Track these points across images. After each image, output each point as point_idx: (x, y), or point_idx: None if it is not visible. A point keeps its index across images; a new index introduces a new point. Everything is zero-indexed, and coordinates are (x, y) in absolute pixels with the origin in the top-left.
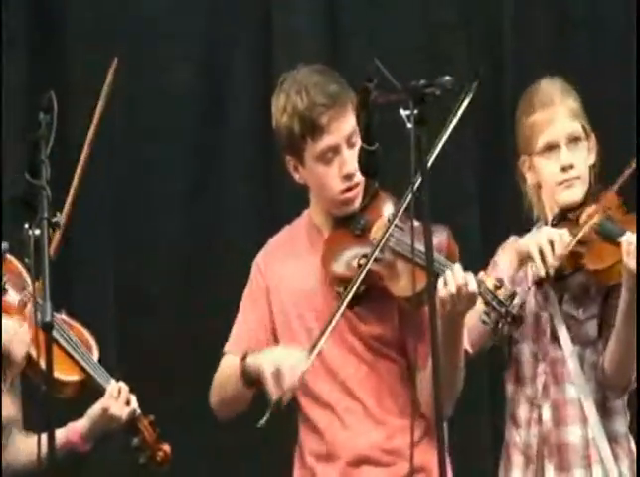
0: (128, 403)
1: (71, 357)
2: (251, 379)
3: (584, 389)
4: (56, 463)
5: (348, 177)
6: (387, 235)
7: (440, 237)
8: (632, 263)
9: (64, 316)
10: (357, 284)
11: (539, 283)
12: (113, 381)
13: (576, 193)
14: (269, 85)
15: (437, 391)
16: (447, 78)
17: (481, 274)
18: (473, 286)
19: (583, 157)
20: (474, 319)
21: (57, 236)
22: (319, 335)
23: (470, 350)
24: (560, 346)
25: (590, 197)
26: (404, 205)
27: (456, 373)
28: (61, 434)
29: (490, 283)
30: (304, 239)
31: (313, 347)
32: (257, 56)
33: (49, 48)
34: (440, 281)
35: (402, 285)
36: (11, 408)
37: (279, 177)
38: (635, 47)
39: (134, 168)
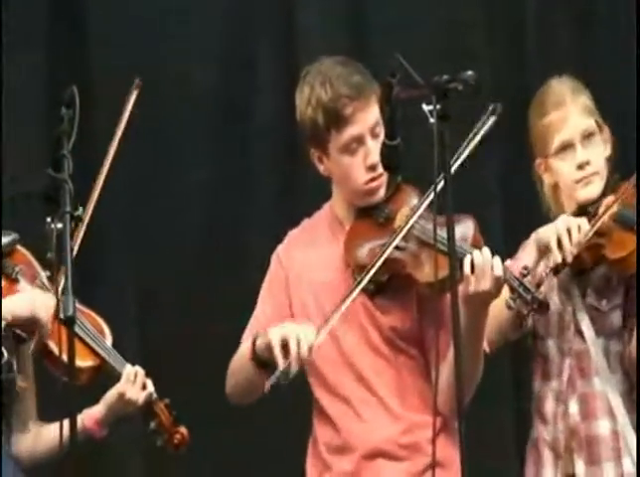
0: (144, 387)
1: (85, 343)
2: (261, 359)
3: (610, 381)
4: (77, 452)
5: (372, 167)
6: (411, 222)
7: (466, 226)
8: None
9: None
10: (377, 266)
11: (555, 270)
12: (129, 365)
13: (595, 189)
14: (293, 81)
15: (459, 382)
16: (470, 72)
17: (507, 262)
18: (499, 270)
19: (599, 152)
20: (497, 311)
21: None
22: (332, 312)
23: (487, 350)
24: (584, 339)
25: (608, 189)
26: (429, 195)
27: (475, 366)
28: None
29: (516, 270)
30: (325, 231)
31: (325, 324)
32: (280, 51)
33: (71, 43)
34: (467, 259)
35: (427, 271)
36: (29, 402)
37: (304, 173)
38: (635, 47)
39: (155, 165)
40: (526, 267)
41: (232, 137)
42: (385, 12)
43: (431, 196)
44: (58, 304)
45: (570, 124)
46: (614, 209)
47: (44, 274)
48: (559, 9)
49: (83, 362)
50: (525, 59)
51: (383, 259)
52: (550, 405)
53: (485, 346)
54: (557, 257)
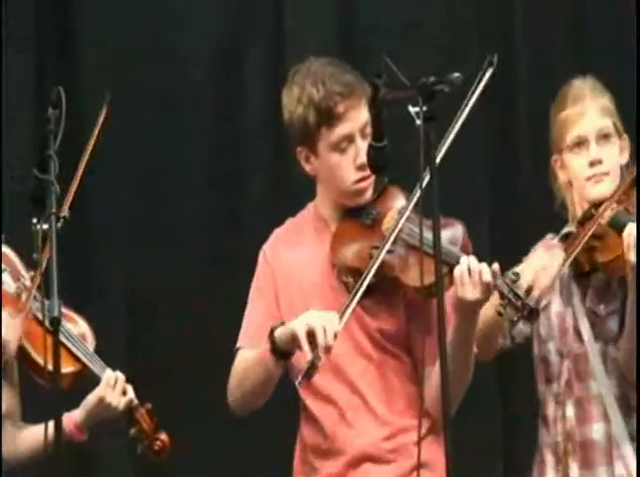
0: (124, 393)
1: (66, 348)
2: (282, 350)
3: (606, 385)
4: (61, 454)
5: (361, 167)
6: (400, 224)
7: (455, 231)
8: (631, 256)
9: None
10: (372, 272)
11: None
12: (109, 370)
13: (604, 188)
14: (281, 81)
15: (445, 386)
16: (456, 74)
17: (496, 266)
18: (487, 276)
19: (613, 154)
20: (485, 317)
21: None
22: (347, 302)
23: (476, 351)
24: (583, 342)
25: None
26: (416, 196)
27: (465, 372)
28: None
29: (506, 275)
30: (310, 231)
31: (343, 313)
32: (269, 52)
33: (59, 43)
34: (457, 269)
35: (414, 275)
36: (8, 402)
37: (292, 173)
38: (635, 47)
39: (145, 164)
40: (516, 273)
41: (219, 137)
42: (373, 12)
43: (417, 198)
44: (43, 307)
45: (587, 120)
46: (610, 212)
47: (27, 276)
48: (548, 7)
49: (65, 367)
50: (514, 59)
51: (378, 262)
52: (551, 409)
53: (475, 351)
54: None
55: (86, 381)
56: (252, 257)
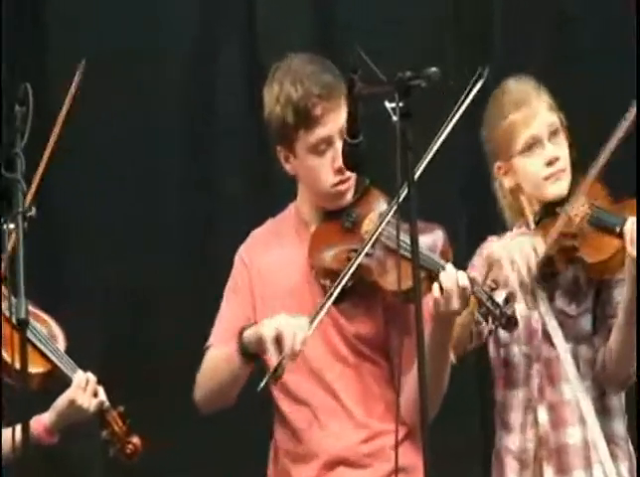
0: (96, 395)
1: (35, 348)
2: (249, 351)
3: (580, 388)
4: (30, 457)
5: (340, 170)
6: (380, 228)
7: (435, 236)
8: (633, 251)
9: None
10: (348, 275)
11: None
12: (80, 371)
13: (564, 186)
14: (257, 80)
15: (423, 391)
16: (433, 69)
17: (475, 274)
18: (465, 283)
19: (565, 150)
20: (459, 321)
21: None
22: (320, 305)
23: (454, 360)
24: (553, 345)
25: (574, 189)
26: (397, 200)
27: (441, 378)
28: None
29: (485, 283)
30: (290, 233)
31: (314, 317)
32: (245, 52)
33: (28, 41)
34: (436, 285)
35: (392, 279)
36: None
37: (272, 172)
38: (635, 46)
39: (123, 162)
40: (495, 281)
41: (198, 135)
42: (350, 8)
43: (397, 202)
44: (10, 307)
45: (538, 120)
46: (583, 210)
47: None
48: (527, 5)
49: (34, 367)
50: (492, 58)
51: (355, 265)
52: (516, 415)
53: (452, 357)
54: (516, 289)
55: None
56: (231, 258)
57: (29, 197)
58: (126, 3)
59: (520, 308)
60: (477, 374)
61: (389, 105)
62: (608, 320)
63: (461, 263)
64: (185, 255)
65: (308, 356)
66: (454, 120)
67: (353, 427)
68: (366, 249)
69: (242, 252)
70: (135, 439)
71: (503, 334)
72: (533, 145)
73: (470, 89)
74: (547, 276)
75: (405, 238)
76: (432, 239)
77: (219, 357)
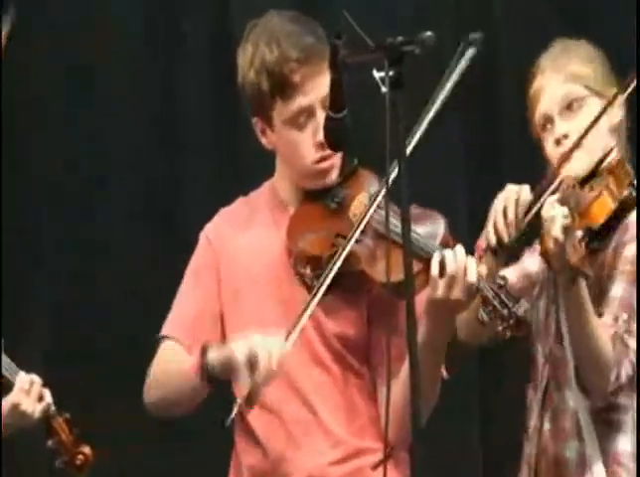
0: (41, 399)
1: None
2: (215, 376)
3: (579, 397)
4: None
5: (323, 145)
6: (371, 211)
7: (435, 224)
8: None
9: None
10: (336, 268)
11: (492, 251)
12: (22, 373)
13: (574, 166)
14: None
15: (415, 398)
16: (428, 33)
17: (481, 267)
18: (473, 276)
19: (584, 122)
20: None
21: None
22: (296, 319)
23: (445, 375)
24: (563, 345)
25: (602, 167)
26: (387, 180)
27: (431, 388)
28: None
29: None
30: (265, 214)
31: (289, 333)
32: (214, 20)
33: None
34: (435, 258)
35: (383, 269)
36: None
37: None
38: (635, 46)
39: (80, 141)
40: (503, 277)
41: (160, 110)
42: None
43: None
44: None
45: (547, 95)
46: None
47: None
48: None
49: None
50: (493, 29)
51: (344, 255)
52: (533, 419)
53: (442, 369)
54: (490, 239)
55: None
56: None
57: None
58: None
59: (543, 299)
60: (478, 381)
61: (377, 74)
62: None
63: None
64: (144, 243)
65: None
66: (445, 92)
67: (328, 444)
68: (356, 235)
69: (209, 232)
70: (85, 449)
71: (534, 326)
72: (544, 124)
73: (459, 58)
74: None
75: (398, 223)
76: (432, 228)
77: (175, 362)
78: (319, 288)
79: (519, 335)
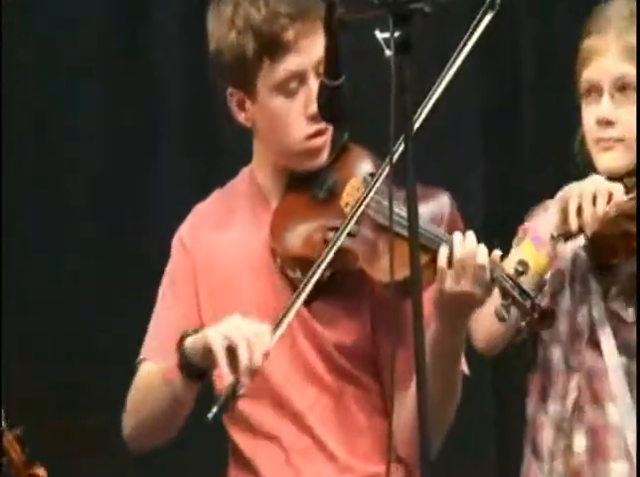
0: None
1: None
2: (195, 366)
3: (629, 411)
4: None
5: (316, 118)
6: (368, 198)
7: (440, 204)
8: None
9: None
10: (325, 263)
11: (566, 236)
12: None
13: (615, 158)
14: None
15: (423, 418)
16: None
17: (496, 253)
18: (483, 259)
19: (632, 115)
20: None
21: None
22: (286, 308)
23: (467, 371)
24: (601, 354)
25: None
26: (391, 160)
27: (449, 397)
28: None
29: (510, 265)
30: (244, 207)
31: (279, 323)
32: None
33: None
34: (443, 248)
35: (385, 267)
36: None
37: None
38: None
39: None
40: (523, 262)
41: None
42: None
43: (389, 162)
44: None
45: (603, 62)
46: None
47: None
48: None
49: None
50: None
51: (335, 249)
52: (547, 436)
53: (464, 367)
54: (571, 225)
55: None
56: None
57: None
58: None
59: (566, 299)
60: (494, 390)
61: (380, 36)
62: None
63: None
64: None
65: (272, 377)
66: (461, 59)
67: (332, 470)
68: (349, 227)
69: (183, 234)
70: (39, 470)
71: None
72: (589, 91)
73: (479, 21)
74: (601, 265)
75: (401, 212)
76: (436, 208)
77: (153, 375)
78: (306, 284)
79: (544, 329)
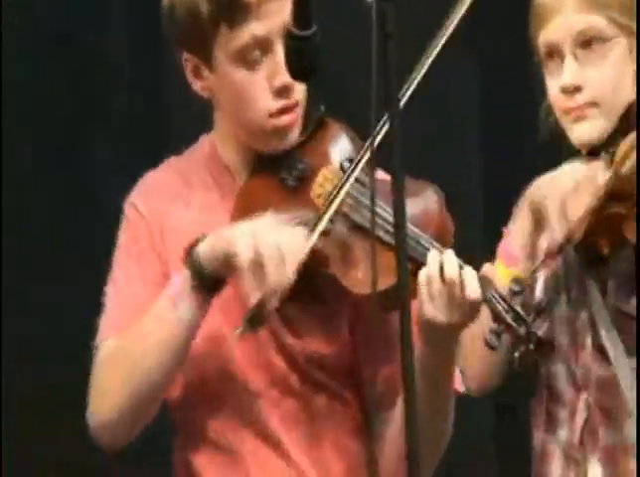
0: None
1: None
2: (210, 277)
3: None
4: None
5: (283, 91)
6: (342, 192)
7: (427, 201)
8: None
9: None
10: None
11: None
12: None
13: (590, 129)
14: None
15: (412, 443)
16: None
17: (487, 267)
18: (475, 292)
19: (607, 69)
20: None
21: None
22: (321, 211)
23: (460, 389)
24: (608, 362)
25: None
26: (373, 140)
27: (440, 422)
28: None
29: (503, 283)
30: (206, 180)
31: (313, 229)
32: None
33: None
34: (422, 273)
35: (361, 277)
36: None
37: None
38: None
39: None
40: (518, 280)
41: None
42: None
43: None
44: None
45: (560, 19)
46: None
47: None
48: None
49: None
50: None
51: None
52: (557, 467)
53: (457, 384)
54: (557, 234)
55: None
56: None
57: None
58: None
59: (561, 305)
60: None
61: None
62: None
63: (472, 243)
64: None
65: (235, 387)
66: (454, 23)
67: None
68: (320, 228)
69: (136, 201)
70: None
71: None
72: (550, 55)
73: None
74: (592, 260)
75: (384, 212)
76: (423, 208)
77: (142, 322)
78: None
79: (543, 359)
